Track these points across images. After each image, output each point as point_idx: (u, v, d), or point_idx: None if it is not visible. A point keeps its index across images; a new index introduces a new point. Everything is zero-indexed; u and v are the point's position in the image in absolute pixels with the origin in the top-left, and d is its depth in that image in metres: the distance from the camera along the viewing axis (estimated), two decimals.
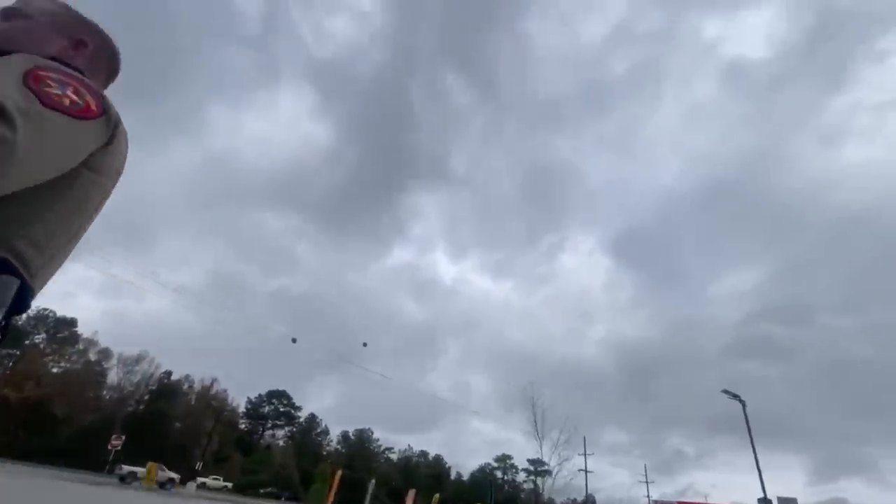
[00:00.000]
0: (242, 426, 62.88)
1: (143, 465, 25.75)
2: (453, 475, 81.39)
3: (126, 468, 24.85)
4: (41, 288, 0.79)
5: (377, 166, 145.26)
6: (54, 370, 46.14)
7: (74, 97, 0.69)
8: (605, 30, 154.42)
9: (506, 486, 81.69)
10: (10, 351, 45.28)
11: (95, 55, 0.88)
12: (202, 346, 78.65)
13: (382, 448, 76.99)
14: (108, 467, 28.88)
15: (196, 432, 49.94)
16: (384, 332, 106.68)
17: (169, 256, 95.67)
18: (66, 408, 42.67)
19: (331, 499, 23.45)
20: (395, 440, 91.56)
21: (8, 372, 43.15)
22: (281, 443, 65.73)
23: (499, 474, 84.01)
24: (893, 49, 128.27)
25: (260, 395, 66.40)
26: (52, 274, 0.80)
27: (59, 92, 0.67)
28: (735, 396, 15.92)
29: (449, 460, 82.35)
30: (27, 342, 46.30)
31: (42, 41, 0.80)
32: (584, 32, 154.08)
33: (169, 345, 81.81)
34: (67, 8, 0.88)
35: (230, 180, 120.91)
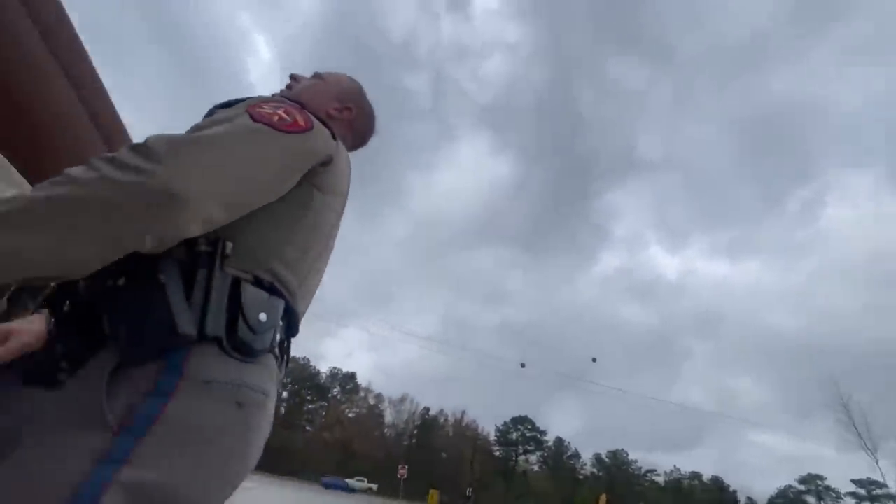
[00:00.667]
0: (497, 453, 66.68)
1: (423, 490, 29.98)
2: (742, 501, 67.79)
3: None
4: (303, 311, 0.84)
5: (564, 180, 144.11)
6: (350, 415, 58.52)
7: (284, 115, 0.76)
8: None
9: None
10: (321, 403, 59.76)
11: (356, 117, 1.13)
12: (450, 382, 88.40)
13: (643, 470, 70.24)
14: (401, 493, 34.48)
15: (458, 461, 55.29)
16: (613, 345, 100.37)
17: (409, 308, 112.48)
18: (364, 445, 53.26)
19: None
20: (654, 461, 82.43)
21: (323, 420, 56.86)
22: (535, 468, 66.93)
23: (811, 500, 66.11)
24: None
25: (505, 422, 69.73)
26: (308, 297, 0.85)
27: (270, 111, 0.75)
28: None
29: (732, 483, 69.27)
30: (329, 395, 60.32)
31: (322, 99, 1.04)
32: None
33: (424, 384, 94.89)
34: (351, 82, 1.18)
35: (438, 232, 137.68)
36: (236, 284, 0.66)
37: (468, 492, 32.78)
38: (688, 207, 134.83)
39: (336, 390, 61.66)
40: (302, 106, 0.85)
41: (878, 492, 62.77)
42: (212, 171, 0.63)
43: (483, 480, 54.19)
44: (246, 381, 0.63)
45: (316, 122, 0.82)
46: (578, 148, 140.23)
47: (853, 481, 64.29)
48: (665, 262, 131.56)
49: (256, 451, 0.68)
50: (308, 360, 61.50)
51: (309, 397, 60.37)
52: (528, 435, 69.81)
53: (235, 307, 0.64)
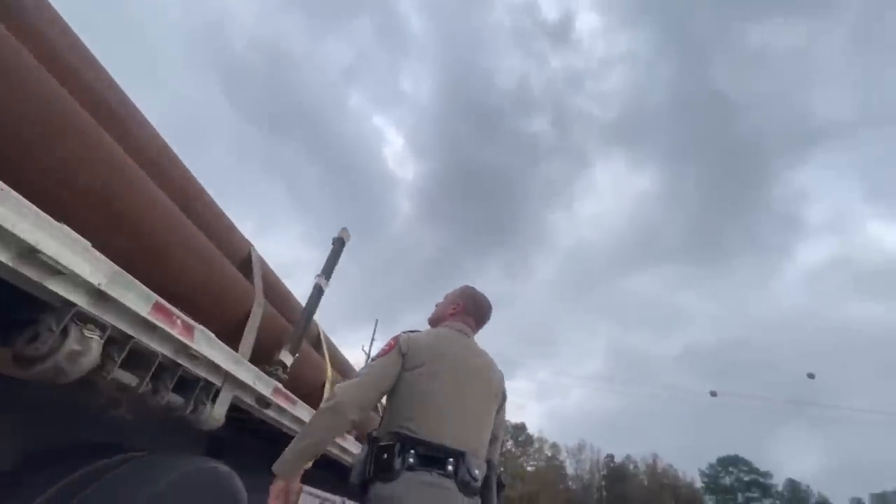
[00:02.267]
0: (709, 503, 56.46)
1: None
2: None
3: None
4: (453, 436, 1.42)
5: (724, 173, 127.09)
6: (528, 468, 56.28)
7: (385, 348, 1.56)
8: None
9: None
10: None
11: (465, 309, 1.80)
12: (629, 425, 79.82)
13: None
14: None
15: None
16: (838, 355, 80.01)
17: (573, 351, 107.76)
18: (551, 500, 50.24)
19: None
20: None
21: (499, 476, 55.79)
22: None
23: None
24: None
25: (711, 464, 59.32)
26: (452, 427, 1.43)
27: (378, 351, 1.57)
28: None
29: None
30: (503, 451, 59.40)
31: (444, 309, 1.83)
32: None
33: (600, 429, 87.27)
34: (460, 289, 1.88)
35: (590, 265, 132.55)
36: (379, 445, 1.41)
37: None
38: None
39: (510, 444, 60.45)
40: (435, 319, 1.86)
41: None
42: (353, 389, 1.46)
43: None
44: (380, 493, 1.31)
45: (397, 340, 1.57)
46: (734, 134, 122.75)
47: None
48: (891, 237, 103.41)
49: None
50: None
51: None
52: (745, 479, 57.93)
53: (380, 456, 1.38)
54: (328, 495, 2.55)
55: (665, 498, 49.45)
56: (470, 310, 1.78)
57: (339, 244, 2.73)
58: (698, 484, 57.03)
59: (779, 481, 56.68)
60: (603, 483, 53.30)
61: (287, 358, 2.16)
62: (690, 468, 58.41)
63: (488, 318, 1.85)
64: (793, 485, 56.55)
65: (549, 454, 57.25)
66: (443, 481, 1.29)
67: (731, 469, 58.78)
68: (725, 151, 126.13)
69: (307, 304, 2.44)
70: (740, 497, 57.84)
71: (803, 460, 75.23)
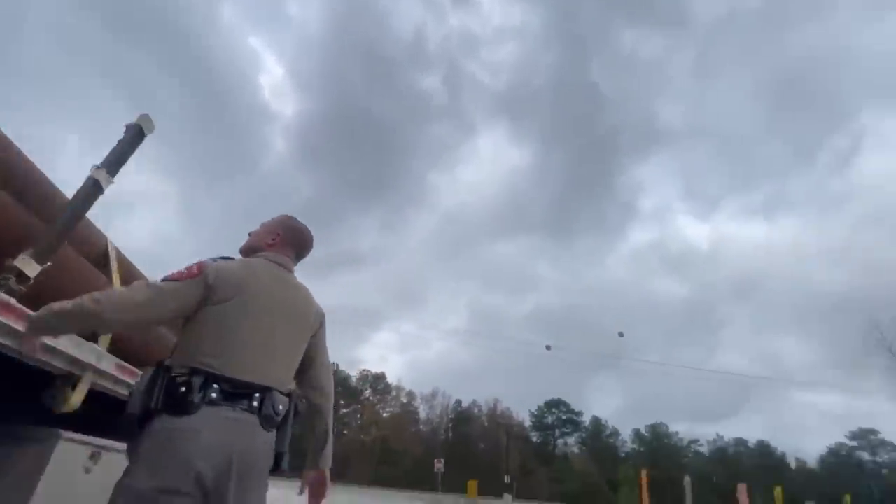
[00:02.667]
0: (534, 438, 66.47)
1: (461, 482, 30.10)
2: (793, 463, 65.99)
3: None
4: (256, 371, 1.34)
5: (586, 160, 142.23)
6: (384, 415, 59.09)
7: (185, 273, 1.37)
8: None
9: (884, 472, 61.39)
10: (355, 406, 60.50)
11: (285, 240, 1.64)
12: (479, 373, 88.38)
13: (686, 442, 69.06)
14: (439, 487, 34.57)
15: (496, 449, 55.33)
16: (647, 320, 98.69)
17: (438, 306, 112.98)
18: (401, 443, 53.72)
19: (645, 501, 21.77)
20: (699, 431, 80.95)
21: (358, 423, 57.60)
22: (575, 449, 66.54)
23: (865, 455, 63.97)
24: None
25: (539, 406, 69.41)
26: (255, 362, 1.34)
27: (174, 272, 1.38)
28: None
29: (779, 445, 67.51)
30: (361, 398, 60.95)
31: (261, 238, 1.64)
32: None
33: (454, 377, 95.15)
34: (279, 218, 1.72)
35: (464, 228, 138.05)
36: (172, 377, 1.25)
37: (506, 479, 32.68)
38: (717, 172, 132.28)
39: (368, 392, 62.31)
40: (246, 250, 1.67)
41: None
42: (132, 297, 1.31)
43: (524, 467, 54.07)
44: (170, 425, 1.19)
45: (203, 269, 1.38)
46: (599, 126, 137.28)
47: None
48: (696, 231, 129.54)
49: (181, 464, 1.14)
50: (337, 365, 62.42)
51: (342, 402, 61.19)
52: (563, 417, 69.33)
53: (172, 389, 1.23)
54: (106, 442, 2.05)
55: (500, 435, 56.64)
56: (290, 241, 1.66)
57: (134, 133, 2.04)
58: (528, 423, 66.46)
59: (587, 419, 69.36)
60: (450, 425, 58.70)
61: (29, 266, 1.58)
62: (523, 410, 67.69)
63: (309, 251, 1.75)
64: (596, 421, 69.73)
65: (405, 401, 60.69)
66: (246, 416, 1.26)
67: (553, 410, 69.79)
68: (588, 139, 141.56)
69: (73, 199, 1.80)
70: (558, 432, 69.51)
71: (608, 402, 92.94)
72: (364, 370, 63.98)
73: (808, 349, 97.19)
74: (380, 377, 63.17)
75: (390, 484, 45.37)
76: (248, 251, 1.65)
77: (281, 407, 1.35)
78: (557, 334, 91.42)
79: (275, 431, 1.37)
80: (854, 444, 65.45)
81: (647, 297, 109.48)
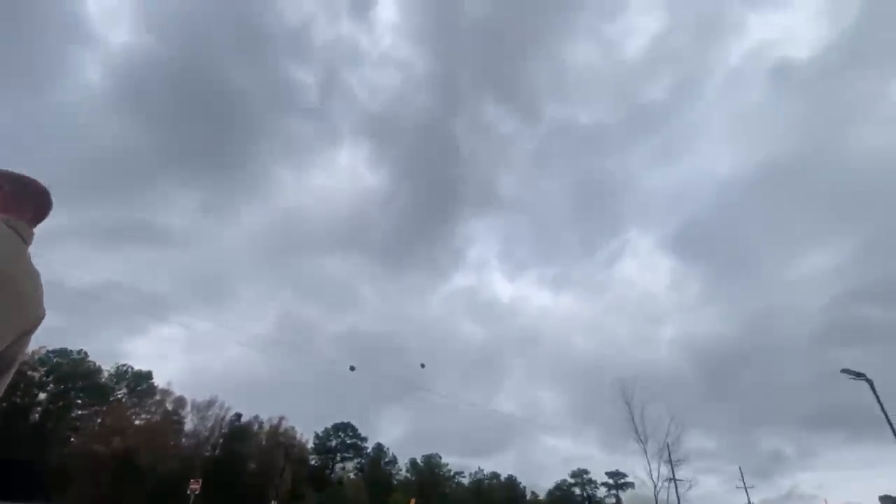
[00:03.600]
0: (313, 462, 63.71)
1: None
2: (528, 495, 78.07)
3: None
4: None
5: (431, 202, 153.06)
6: (137, 422, 48.93)
7: None
8: (644, 45, 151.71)
9: (586, 503, 77.30)
10: (98, 408, 48.67)
11: (16, 199, 1.18)
12: (269, 388, 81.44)
13: (452, 473, 75.38)
14: None
15: (269, 471, 50.99)
16: (447, 358, 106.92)
17: (241, 308, 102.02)
18: (151, 457, 44.90)
19: None
20: (465, 464, 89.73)
21: (97, 428, 46.25)
22: (351, 475, 65.95)
23: (577, 490, 79.72)
24: None
25: (326, 428, 67.32)
26: None
27: None
28: (860, 375, 13.97)
29: (523, 480, 79.20)
30: (111, 398, 49.59)
31: None
32: (623, 53, 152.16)
33: (239, 388, 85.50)
34: (5, 177, 1.21)
35: (296, 235, 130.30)
36: None
37: None
38: (529, 244, 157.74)
39: (122, 392, 51.16)
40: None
41: (622, 480, 79.22)
42: None
43: (294, 490, 50.99)
44: None
45: None
46: (448, 174, 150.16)
47: (607, 473, 79.99)
48: (503, 288, 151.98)
49: None
50: (86, 353, 49.86)
51: (80, 401, 48.60)
52: (348, 442, 68.58)
53: None
54: None
55: (277, 455, 52.55)
56: (23, 200, 1.19)
57: None
58: (311, 445, 63.57)
59: (370, 444, 70.01)
60: (220, 440, 51.96)
61: None
62: (308, 431, 64.58)
63: (48, 214, 1.28)
64: (379, 447, 70.94)
65: (171, 408, 51.62)
66: None
67: (340, 433, 68.56)
68: (437, 184, 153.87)
69: None
70: (338, 457, 68.18)
71: (393, 430, 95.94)
72: (123, 365, 52.54)
73: (556, 400, 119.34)
74: (143, 376, 52.61)
75: None
76: None
77: None
78: (364, 358, 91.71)
79: None
80: (572, 481, 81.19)
81: (452, 335, 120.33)
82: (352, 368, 24.11)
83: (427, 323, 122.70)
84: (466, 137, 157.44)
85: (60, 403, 47.35)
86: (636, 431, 20.60)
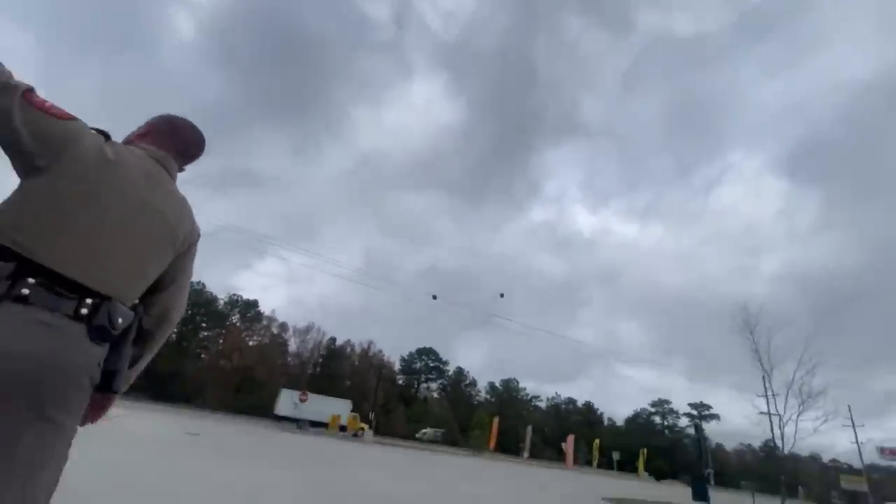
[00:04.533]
0: (400, 381, 69.50)
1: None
2: (605, 422, 79.64)
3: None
4: (100, 263, 0.98)
5: (509, 133, 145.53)
6: (251, 343, 56.06)
7: (57, 112, 1.00)
8: None
9: (666, 432, 77.24)
10: (218, 330, 56.26)
11: (160, 133, 1.30)
12: (359, 315, 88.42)
13: (530, 397, 78.54)
14: (298, 423, 34.31)
15: (363, 389, 56.62)
16: (525, 289, 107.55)
17: (331, 242, 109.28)
18: (265, 373, 51.76)
19: (492, 444, 24.18)
20: (542, 390, 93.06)
21: (220, 347, 53.79)
22: (435, 395, 71.33)
23: (657, 419, 79.61)
24: None
25: (411, 352, 72.27)
26: (91, 261, 0.97)
27: (47, 102, 1.01)
28: None
29: (601, 407, 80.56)
30: (227, 322, 56.79)
31: (133, 133, 1.31)
32: None
33: (332, 316, 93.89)
34: (159, 117, 1.35)
35: (376, 173, 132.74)
36: None
37: (370, 416, 33.65)
38: (613, 173, 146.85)
39: (235, 318, 58.28)
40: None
41: (706, 412, 77.40)
42: None
43: (386, 406, 56.33)
44: None
45: (75, 118, 1.04)
46: (528, 103, 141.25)
47: (690, 405, 78.41)
48: (585, 220, 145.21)
49: None
50: (204, 284, 56.75)
51: (204, 324, 56.36)
52: (431, 365, 73.37)
53: None
54: None
55: (370, 375, 57.93)
56: (168, 136, 1.29)
57: None
58: (397, 367, 68.97)
59: (451, 368, 74.43)
60: (320, 360, 58.11)
61: None
62: (395, 354, 69.92)
63: (197, 155, 1.38)
64: (459, 371, 75.27)
65: (276, 332, 58.15)
66: (66, 324, 0.90)
67: (423, 357, 73.42)
68: (515, 114, 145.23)
69: None
70: (423, 377, 73.61)
71: (472, 355, 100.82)
72: (234, 294, 59.39)
73: (642, 333, 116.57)
74: (251, 304, 59.31)
75: (248, 412, 43.83)
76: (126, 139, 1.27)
77: (121, 320, 1.02)
78: (445, 288, 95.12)
79: (107, 347, 1.01)
80: (653, 409, 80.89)
81: (529, 268, 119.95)
82: (434, 297, 24.76)
83: (505, 254, 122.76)
84: (546, 60, 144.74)
85: (190, 326, 55.16)
86: (760, 361, 19.01)
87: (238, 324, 57.71)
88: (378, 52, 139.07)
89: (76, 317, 0.92)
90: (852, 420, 37.14)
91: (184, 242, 1.23)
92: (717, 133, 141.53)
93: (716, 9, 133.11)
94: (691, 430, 77.30)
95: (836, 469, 52.06)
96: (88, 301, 0.94)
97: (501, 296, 26.24)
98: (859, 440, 36.05)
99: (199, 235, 1.31)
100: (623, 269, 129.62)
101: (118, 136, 1.18)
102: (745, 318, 20.23)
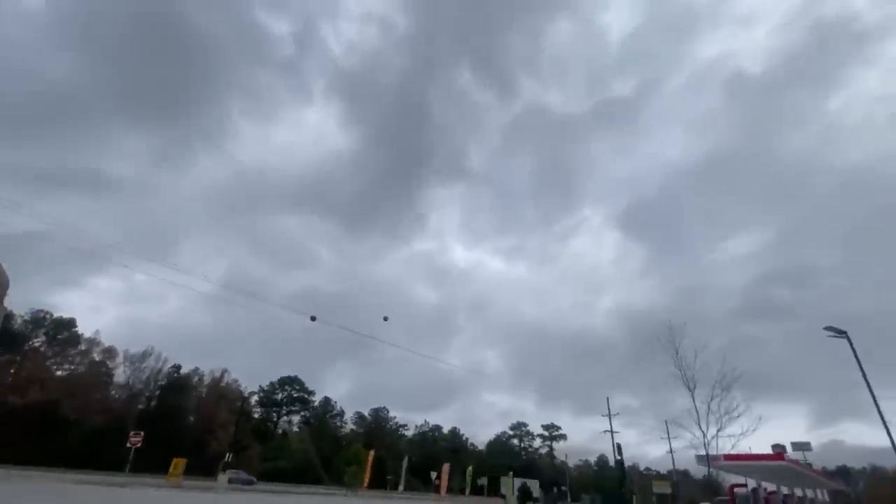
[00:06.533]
0: (256, 415, 62.27)
1: (160, 461, 25.03)
2: (468, 447, 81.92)
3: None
4: None
5: (399, 167, 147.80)
6: (58, 373, 44.66)
7: None
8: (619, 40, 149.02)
9: (522, 454, 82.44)
10: (10, 356, 43.63)
11: None
12: (211, 340, 77.68)
13: (397, 426, 77.04)
14: (128, 466, 27.81)
15: (211, 425, 49.10)
16: (401, 319, 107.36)
17: (187, 262, 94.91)
18: (75, 410, 41.38)
19: (367, 479, 22.58)
20: (410, 418, 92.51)
21: (10, 379, 41.60)
22: (296, 428, 65.35)
23: (515, 442, 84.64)
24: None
25: (272, 382, 65.66)
26: None
27: None
28: (841, 333, 14.95)
29: (465, 433, 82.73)
30: (26, 346, 44.62)
31: None
32: (601, 42, 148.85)
33: (178, 340, 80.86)
34: None
35: (256, 189, 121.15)
36: None
37: (228, 457, 29.03)
38: (490, 214, 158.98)
39: (40, 341, 46.20)
40: None
41: (556, 433, 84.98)
42: None
43: (238, 443, 49.63)
44: None
45: None
46: (420, 141, 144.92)
47: (542, 426, 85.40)
48: (461, 255, 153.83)
49: None
50: None
51: None
52: (294, 395, 67.49)
53: None
54: None
55: (218, 407, 50.56)
56: None
57: None
58: (255, 399, 61.81)
59: (318, 398, 69.40)
60: (157, 393, 48.95)
61: None
62: (253, 384, 62.56)
63: None
64: (326, 400, 70.57)
65: (98, 358, 47.49)
66: None
67: (286, 387, 67.18)
68: (406, 149, 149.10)
69: None
70: (284, 410, 67.08)
71: (339, 384, 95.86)
72: (39, 310, 47.06)
73: (502, 360, 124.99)
74: (64, 323, 47.60)
75: (52, 462, 34.39)
76: None
77: None
78: (320, 312, 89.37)
79: None
80: (511, 433, 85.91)
81: (407, 297, 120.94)
82: (313, 319, 22.77)
83: (384, 284, 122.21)
84: (439, 102, 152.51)
85: None
86: (683, 377, 21.18)
87: (42, 349, 45.74)
88: (273, 67, 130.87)
89: None
90: (668, 431, 44.03)
91: None
92: (573, 191, 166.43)
93: (580, 93, 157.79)
94: (544, 450, 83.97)
95: (649, 476, 61.30)
96: None
97: (385, 319, 25.37)
98: (673, 449, 42.89)
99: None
100: (491, 301, 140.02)
101: None
102: (668, 337, 22.51)
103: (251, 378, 76.61)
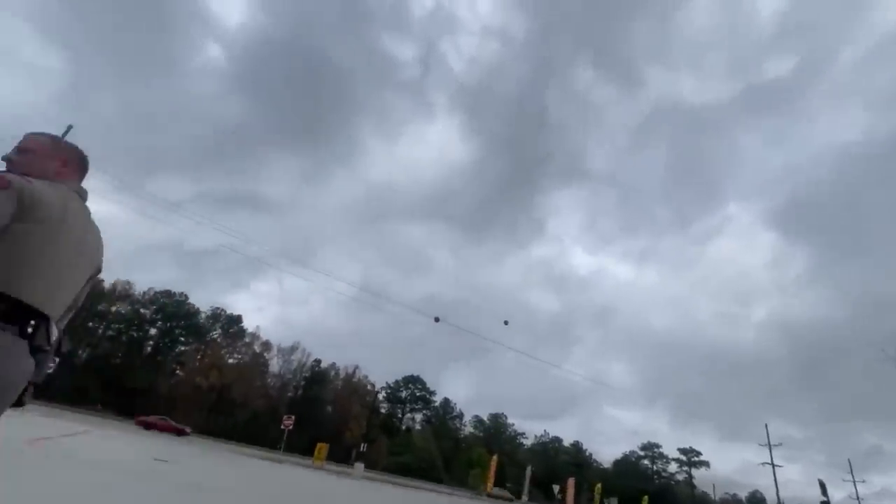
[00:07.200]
0: (383, 410, 66.62)
1: (304, 444, 28.17)
2: (593, 464, 76.91)
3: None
4: (48, 300, 1.21)
5: (517, 174, 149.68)
6: (230, 361, 53.41)
7: None
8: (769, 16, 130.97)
9: (655, 477, 74.71)
10: (197, 345, 53.54)
11: (72, 167, 1.43)
12: (345, 338, 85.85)
13: (515, 433, 75.82)
14: (282, 445, 31.84)
15: (345, 415, 53.88)
16: (522, 324, 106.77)
17: (328, 266, 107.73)
18: (242, 394, 49.00)
19: (489, 485, 22.38)
20: (528, 427, 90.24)
21: (197, 364, 51.01)
22: (418, 426, 68.38)
23: (646, 463, 77.16)
24: None
25: (397, 380, 69.70)
26: (49, 292, 1.22)
27: None
28: None
29: (588, 446, 77.94)
30: (207, 338, 54.19)
31: (47, 161, 1.38)
32: (743, 19, 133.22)
33: (319, 337, 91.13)
34: (54, 142, 1.43)
35: (386, 202, 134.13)
36: None
37: (362, 447, 31.47)
38: (614, 217, 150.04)
39: (217, 333, 55.73)
40: (24, 174, 1.27)
41: (695, 458, 75.26)
42: None
43: (367, 435, 53.63)
44: None
45: (11, 183, 1.17)
46: (537, 147, 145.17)
47: (679, 449, 76.29)
48: (582, 261, 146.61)
49: None
50: (186, 296, 54.40)
51: (182, 338, 53.66)
52: (417, 394, 70.70)
53: None
54: None
55: (352, 401, 55.30)
56: (78, 168, 1.47)
57: None
58: (382, 395, 66.20)
59: (439, 398, 71.76)
60: (302, 383, 55.45)
61: None
62: (381, 381, 67.26)
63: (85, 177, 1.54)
64: (446, 401, 72.61)
65: (258, 350, 55.61)
66: (17, 342, 1.14)
67: (409, 385, 70.80)
68: (525, 155, 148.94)
69: None
70: (407, 407, 70.76)
71: (459, 387, 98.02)
72: (217, 308, 56.98)
73: (629, 375, 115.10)
74: (234, 319, 56.88)
75: (223, 435, 41.05)
76: (38, 173, 1.32)
77: (54, 339, 1.27)
78: (442, 315, 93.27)
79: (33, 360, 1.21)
80: (642, 453, 78.46)
81: (526, 303, 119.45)
82: (436, 319, 23.45)
83: (504, 290, 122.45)
84: (557, 106, 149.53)
85: (167, 339, 52.47)
86: None
87: (219, 340, 55.15)
88: (400, 89, 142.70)
89: (21, 334, 1.14)
90: (852, 473, 35.83)
91: (97, 271, 1.46)
92: (715, 187, 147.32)
93: (719, 79, 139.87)
94: (680, 476, 74.98)
95: None
96: (32, 322, 1.17)
97: (506, 322, 25.01)
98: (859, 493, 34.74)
99: (101, 267, 1.48)
100: (615, 311, 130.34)
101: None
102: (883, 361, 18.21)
103: (378, 375, 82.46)
